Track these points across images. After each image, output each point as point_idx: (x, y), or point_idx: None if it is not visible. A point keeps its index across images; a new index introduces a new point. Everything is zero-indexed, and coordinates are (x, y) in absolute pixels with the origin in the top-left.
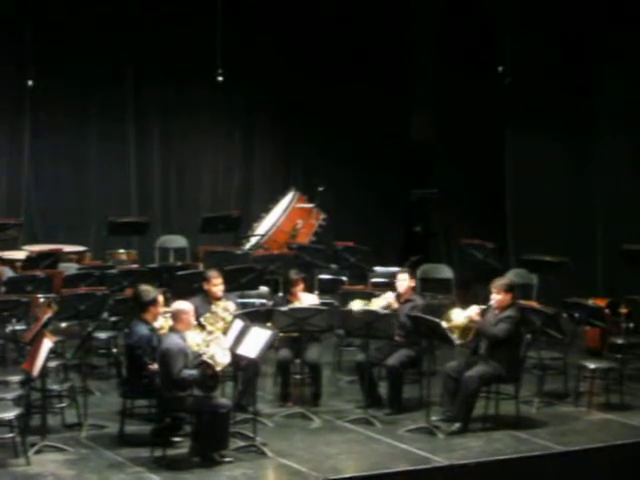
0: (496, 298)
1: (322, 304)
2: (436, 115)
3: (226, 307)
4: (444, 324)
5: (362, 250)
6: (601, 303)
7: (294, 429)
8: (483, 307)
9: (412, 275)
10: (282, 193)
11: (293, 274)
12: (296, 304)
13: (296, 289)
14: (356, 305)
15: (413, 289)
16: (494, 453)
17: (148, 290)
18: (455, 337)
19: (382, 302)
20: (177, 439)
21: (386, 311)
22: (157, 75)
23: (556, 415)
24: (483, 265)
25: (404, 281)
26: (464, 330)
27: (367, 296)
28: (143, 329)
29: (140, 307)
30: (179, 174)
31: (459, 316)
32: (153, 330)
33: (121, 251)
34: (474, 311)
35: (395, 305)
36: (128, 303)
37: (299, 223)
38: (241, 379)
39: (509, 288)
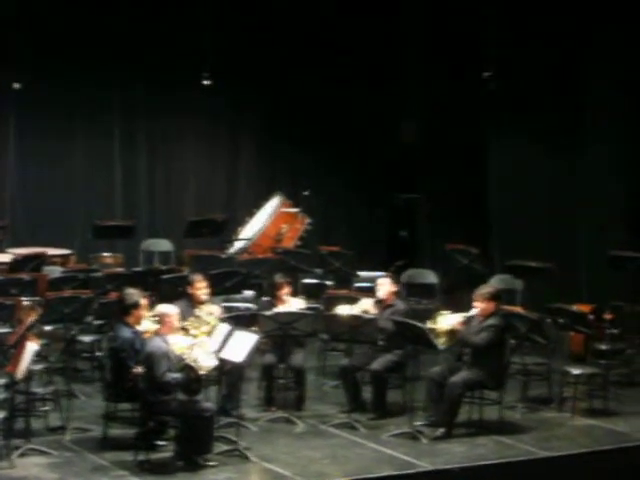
0: (479, 307)
1: (307, 309)
2: (422, 120)
3: (210, 311)
4: (429, 325)
5: (347, 255)
6: (585, 309)
7: (278, 433)
8: (468, 315)
9: (395, 280)
10: (267, 197)
11: (278, 278)
12: (282, 308)
13: (281, 293)
14: (343, 310)
15: (395, 294)
16: (478, 458)
17: (132, 293)
18: (440, 342)
19: (359, 308)
20: (161, 443)
21: (371, 316)
22: (143, 77)
23: (540, 420)
24: (468, 270)
25: (384, 286)
26: (449, 335)
27: (351, 300)
28: (126, 332)
29: (123, 310)
30: (164, 177)
31: (444, 322)
32: (136, 333)
33: (106, 254)
34: (457, 320)
35: (373, 310)
36: (113, 307)
37: (284, 227)
38: (225, 383)
39: (492, 297)
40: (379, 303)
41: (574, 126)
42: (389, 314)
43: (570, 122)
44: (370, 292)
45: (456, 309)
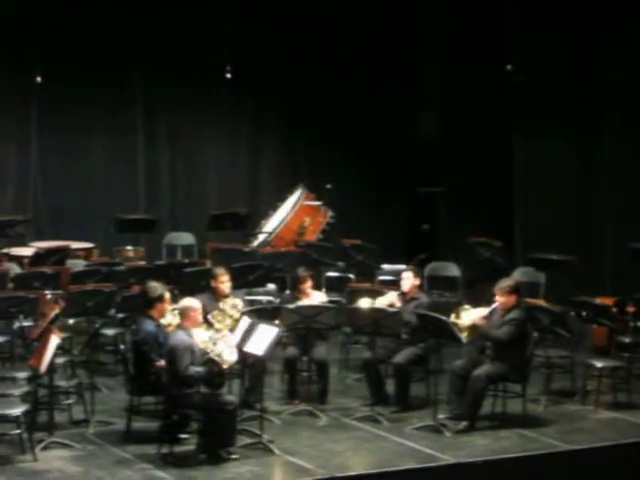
0: (500, 300)
1: (329, 302)
2: (444, 112)
3: (234, 304)
4: (452, 319)
5: (369, 248)
6: (609, 302)
7: (301, 427)
8: (489, 309)
9: (418, 273)
10: (290, 191)
11: (301, 271)
12: (305, 301)
13: (304, 286)
14: (364, 303)
15: (419, 287)
16: (501, 451)
17: (155, 287)
18: (463, 336)
19: (384, 301)
20: (184, 436)
21: (394, 309)
22: (165, 72)
23: (563, 414)
24: (490, 263)
25: (408, 279)
26: (472, 329)
27: (374, 294)
28: (149, 326)
29: (147, 303)
30: (187, 171)
31: (466, 317)
32: (159, 327)
33: (129, 248)
34: (478, 315)
35: (398, 304)
36: (135, 300)
37: (306, 221)
38: (248, 376)
39: (512, 290)
40: (402, 296)
41: (597, 119)
42: (413, 307)
43: (593, 115)
44: (393, 285)
45: (478, 302)
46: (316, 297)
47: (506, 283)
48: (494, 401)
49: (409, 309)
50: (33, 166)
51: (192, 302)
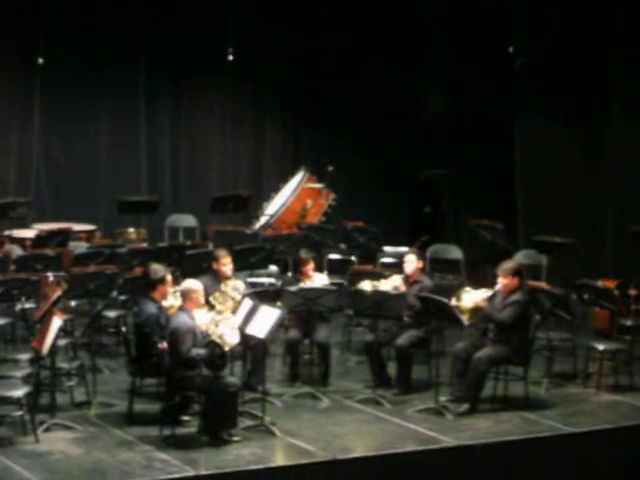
0: (502, 282)
1: (331, 284)
2: (447, 96)
3: (235, 286)
4: (453, 302)
5: (372, 230)
6: (610, 284)
7: (303, 409)
8: (491, 291)
9: (420, 256)
10: (292, 173)
11: (304, 253)
12: (308, 283)
13: (306, 268)
14: (365, 286)
15: (421, 270)
16: (503, 434)
17: (157, 269)
18: (465, 318)
19: (389, 284)
20: (186, 418)
21: (396, 291)
22: (168, 54)
23: (565, 396)
24: (492, 246)
25: (411, 262)
26: (473, 311)
27: (376, 276)
28: (151, 307)
29: (148, 285)
30: (189, 153)
31: (468, 299)
32: (161, 309)
33: (131, 230)
34: (481, 297)
35: (402, 287)
36: (137, 282)
37: (308, 203)
38: (250, 359)
39: (515, 272)
40: (405, 279)
41: (600, 102)
42: (416, 290)
43: (596, 99)
44: (395, 268)
45: (480, 285)
46: (318, 279)
47: (509, 265)
48: (496, 384)
49: (412, 292)
50: (35, 148)
51: (193, 284)
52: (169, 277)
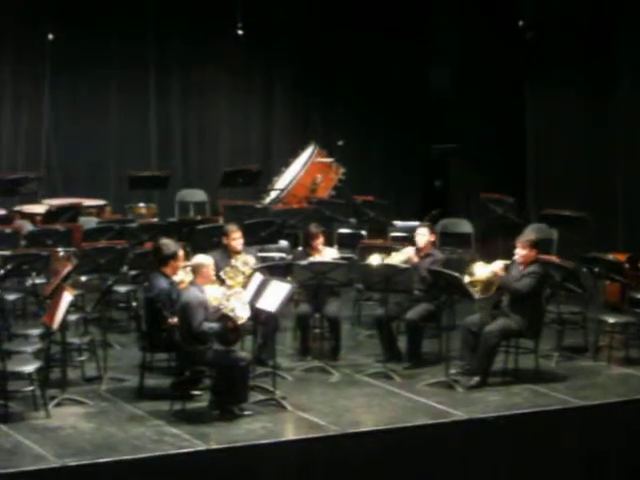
0: (521, 253)
1: (341, 258)
2: (456, 68)
3: (246, 261)
4: (466, 278)
5: (382, 204)
6: (621, 258)
7: (313, 383)
8: (507, 262)
9: (432, 229)
10: (302, 147)
11: (313, 228)
12: (317, 257)
13: (316, 242)
14: (374, 259)
15: (433, 244)
16: (513, 407)
17: (169, 244)
18: (476, 291)
19: (401, 257)
20: (196, 392)
21: (406, 265)
22: (178, 28)
23: (575, 369)
24: (503, 219)
25: (423, 236)
26: (486, 284)
27: (386, 250)
28: (163, 282)
29: (160, 260)
30: (199, 128)
31: (483, 270)
32: (172, 284)
33: (141, 205)
34: (498, 266)
35: (415, 259)
36: (148, 257)
37: (318, 177)
38: (261, 333)
39: (534, 244)
40: (417, 252)
41: (610, 73)
42: (429, 264)
43: (606, 69)
44: (405, 242)
45: (490, 258)
46: (328, 253)
47: (529, 236)
48: (506, 357)
49: (425, 265)
50: (45, 123)
51: (204, 258)
52: (181, 252)
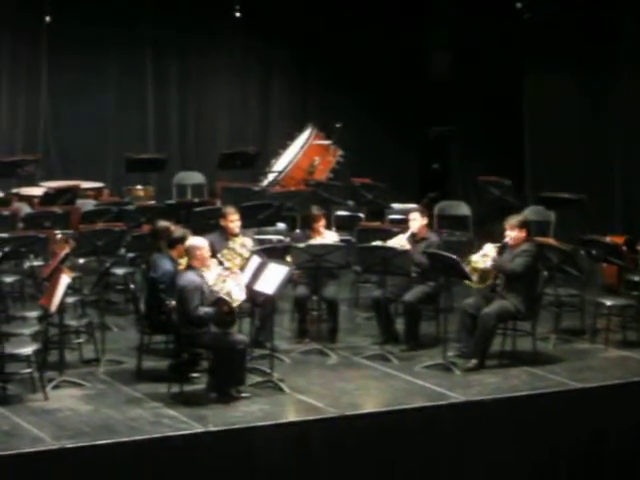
0: (511, 235)
1: (339, 241)
2: (454, 52)
3: (243, 243)
4: (467, 268)
5: (379, 187)
6: (618, 240)
7: (311, 365)
8: (498, 245)
9: (427, 212)
10: (299, 130)
11: (315, 210)
12: (318, 239)
13: (318, 225)
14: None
15: (428, 227)
16: (510, 390)
17: (174, 227)
18: (474, 279)
19: (394, 244)
20: (194, 375)
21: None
22: (174, 11)
23: (573, 352)
24: (500, 202)
25: (415, 220)
26: (483, 274)
27: (384, 233)
28: (168, 264)
29: (169, 243)
30: (196, 110)
31: (477, 256)
32: (176, 267)
33: (138, 187)
34: (490, 249)
35: (407, 246)
36: (145, 239)
37: (316, 160)
38: (258, 315)
39: (523, 224)
40: (412, 237)
41: (609, 57)
42: (424, 247)
43: (605, 52)
44: (403, 224)
45: (488, 241)
46: (329, 236)
47: (516, 218)
48: (504, 339)
49: (419, 250)
50: (43, 106)
51: (197, 241)
52: (190, 237)
